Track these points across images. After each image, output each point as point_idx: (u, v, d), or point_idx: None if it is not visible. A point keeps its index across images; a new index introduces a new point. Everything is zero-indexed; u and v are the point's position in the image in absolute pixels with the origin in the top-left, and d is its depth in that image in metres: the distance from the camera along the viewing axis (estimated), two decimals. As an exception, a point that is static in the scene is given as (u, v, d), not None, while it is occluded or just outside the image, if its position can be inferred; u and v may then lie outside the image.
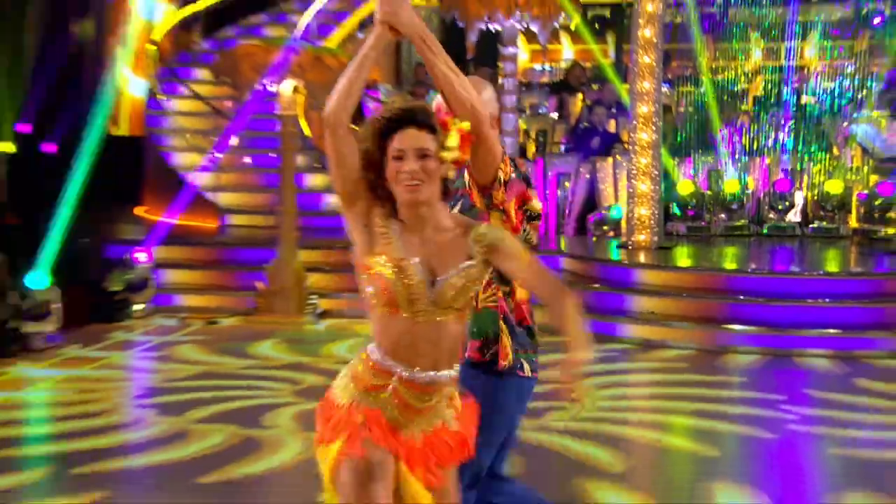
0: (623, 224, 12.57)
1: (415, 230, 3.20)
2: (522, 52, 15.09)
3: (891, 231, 12.39)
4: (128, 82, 13.42)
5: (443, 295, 3.17)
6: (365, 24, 14.15)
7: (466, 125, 3.24)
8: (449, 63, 3.43)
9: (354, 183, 3.23)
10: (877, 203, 13.15)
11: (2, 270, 9.48)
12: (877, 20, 14.24)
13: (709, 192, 13.87)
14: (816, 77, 14.56)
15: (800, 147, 14.33)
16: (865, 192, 13.28)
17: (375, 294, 3.17)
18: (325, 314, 11.24)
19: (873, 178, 13.37)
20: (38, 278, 9.66)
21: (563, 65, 16.09)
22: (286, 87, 11.32)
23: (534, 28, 13.20)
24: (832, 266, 11.53)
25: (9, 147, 12.13)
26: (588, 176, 13.65)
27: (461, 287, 3.18)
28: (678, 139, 14.23)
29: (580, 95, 15.75)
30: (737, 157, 14.29)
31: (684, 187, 13.74)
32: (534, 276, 3.23)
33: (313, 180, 13.23)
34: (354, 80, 3.25)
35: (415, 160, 3.05)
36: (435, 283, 3.17)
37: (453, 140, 3.15)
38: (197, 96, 13.19)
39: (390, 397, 3.21)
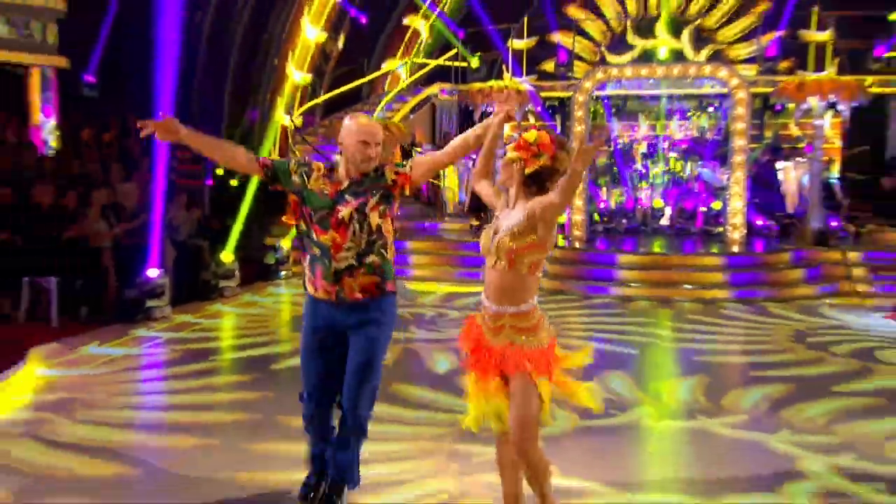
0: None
1: (510, 205, 3.08)
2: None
3: (719, 229, 12.40)
4: (283, 120, 13.24)
5: (495, 246, 3.00)
6: (415, 109, 14.16)
7: (531, 135, 3.01)
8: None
9: (489, 199, 3.22)
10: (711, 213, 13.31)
11: (206, 252, 9.60)
12: (711, 108, 14.31)
13: (616, 208, 14.04)
14: (678, 142, 14.60)
15: (668, 181, 14.43)
16: (704, 208, 13.43)
17: None
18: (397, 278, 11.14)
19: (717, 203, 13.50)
20: (227, 256, 9.77)
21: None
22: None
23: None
24: (688, 249, 11.57)
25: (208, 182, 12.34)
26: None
27: (504, 241, 2.97)
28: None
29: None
30: (632, 186, 14.39)
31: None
32: (558, 192, 2.90)
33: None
34: (488, 150, 3.26)
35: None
36: (493, 238, 3.03)
37: (511, 146, 3.06)
38: (316, 150, 13.26)
39: (483, 318, 3.11)
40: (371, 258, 3.35)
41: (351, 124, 3.38)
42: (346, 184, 3.38)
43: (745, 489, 3.99)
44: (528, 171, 2.97)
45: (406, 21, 14.88)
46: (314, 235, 3.39)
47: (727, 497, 3.89)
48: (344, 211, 3.32)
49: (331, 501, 3.51)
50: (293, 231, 4.45)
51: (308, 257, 3.46)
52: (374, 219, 3.34)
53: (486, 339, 3.07)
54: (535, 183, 2.99)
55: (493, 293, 3.01)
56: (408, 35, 15.24)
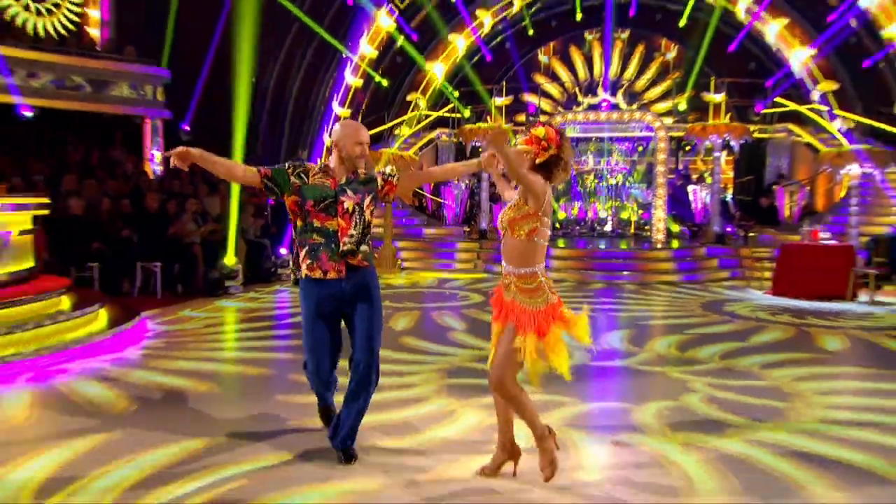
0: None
1: (517, 186, 2.75)
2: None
3: (648, 233, 12.44)
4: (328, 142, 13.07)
5: (500, 218, 2.74)
6: (423, 147, 14.21)
7: (539, 132, 2.66)
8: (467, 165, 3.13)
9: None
10: (642, 220, 13.35)
11: (269, 248, 9.62)
12: (640, 149, 14.42)
13: (571, 218, 14.11)
14: (617, 169, 14.68)
15: (609, 197, 14.50)
16: (635, 217, 13.47)
17: None
18: (406, 269, 11.13)
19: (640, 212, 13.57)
20: (283, 250, 9.85)
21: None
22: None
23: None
24: (624, 245, 11.60)
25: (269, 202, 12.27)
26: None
27: (506, 213, 2.70)
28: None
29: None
30: (584, 202, 14.46)
31: (561, 215, 13.98)
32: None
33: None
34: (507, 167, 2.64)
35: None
36: (501, 212, 2.76)
37: (521, 139, 2.72)
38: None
39: (502, 277, 2.80)
40: (363, 247, 3.03)
41: (344, 129, 3.03)
42: (343, 179, 3.03)
43: (658, 399, 4.08)
44: (538, 161, 2.63)
45: (409, 98, 15.05)
46: (317, 223, 2.96)
47: (648, 403, 3.98)
48: (348, 203, 2.99)
49: (350, 439, 3.07)
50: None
51: (306, 249, 2.99)
52: (368, 215, 3.05)
53: (503, 294, 2.81)
54: (544, 169, 2.65)
55: (505, 256, 2.74)
56: (412, 106, 15.39)
